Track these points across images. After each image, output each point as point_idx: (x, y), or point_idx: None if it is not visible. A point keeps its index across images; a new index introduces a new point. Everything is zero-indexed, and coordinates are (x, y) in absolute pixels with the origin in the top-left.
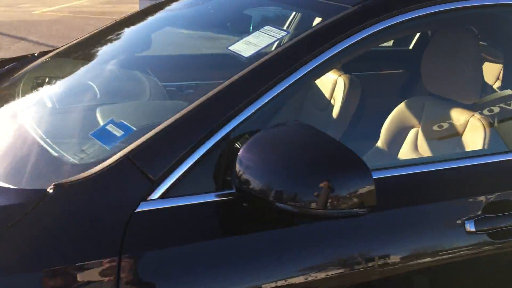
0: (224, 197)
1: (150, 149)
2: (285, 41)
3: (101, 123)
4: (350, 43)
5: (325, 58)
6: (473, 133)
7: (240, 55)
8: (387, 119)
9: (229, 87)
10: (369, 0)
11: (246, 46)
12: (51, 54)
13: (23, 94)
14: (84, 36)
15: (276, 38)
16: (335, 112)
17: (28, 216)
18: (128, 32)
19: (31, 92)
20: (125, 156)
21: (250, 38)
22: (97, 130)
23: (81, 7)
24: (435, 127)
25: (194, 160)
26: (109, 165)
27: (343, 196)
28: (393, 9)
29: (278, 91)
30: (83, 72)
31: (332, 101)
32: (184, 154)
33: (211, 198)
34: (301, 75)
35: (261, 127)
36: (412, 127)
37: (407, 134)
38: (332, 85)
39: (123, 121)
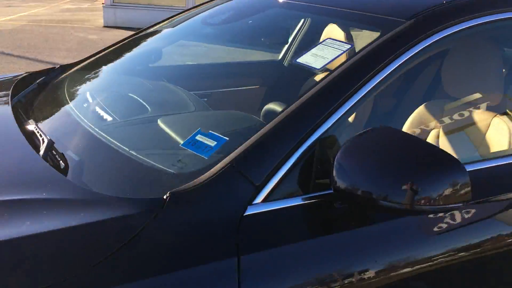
0: (319, 198)
1: (251, 156)
2: (349, 52)
3: (170, 133)
4: (412, 54)
5: (394, 67)
6: (497, 132)
7: (311, 66)
8: (408, 121)
9: (314, 96)
10: (422, 14)
11: (314, 58)
12: (78, 67)
13: (78, 109)
14: (106, 49)
15: (342, 51)
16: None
17: (151, 224)
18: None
19: (83, 106)
20: (230, 164)
21: (315, 51)
22: (187, 141)
23: (40, 16)
24: (456, 127)
25: (291, 164)
26: (216, 173)
27: (441, 193)
28: (445, 21)
29: (355, 100)
30: (118, 85)
31: None
32: (282, 159)
33: (307, 200)
34: (374, 83)
35: (346, 129)
36: (433, 128)
37: (427, 135)
38: None
39: (212, 132)
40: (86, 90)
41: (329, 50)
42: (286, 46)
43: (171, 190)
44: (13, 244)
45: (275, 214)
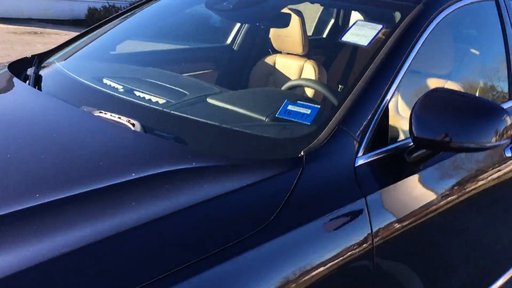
0: (401, 146)
1: (350, 116)
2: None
3: (241, 110)
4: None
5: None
6: None
7: (359, 44)
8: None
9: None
10: None
11: (357, 37)
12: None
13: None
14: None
15: (378, 30)
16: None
17: (300, 179)
18: None
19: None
20: (337, 125)
21: (354, 31)
22: (281, 111)
23: None
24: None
25: (376, 122)
26: (329, 134)
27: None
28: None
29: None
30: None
31: None
32: (369, 118)
33: (394, 148)
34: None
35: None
36: None
37: None
38: (299, 70)
39: (299, 102)
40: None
41: (366, 30)
42: (235, 30)
43: (304, 150)
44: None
45: (374, 162)
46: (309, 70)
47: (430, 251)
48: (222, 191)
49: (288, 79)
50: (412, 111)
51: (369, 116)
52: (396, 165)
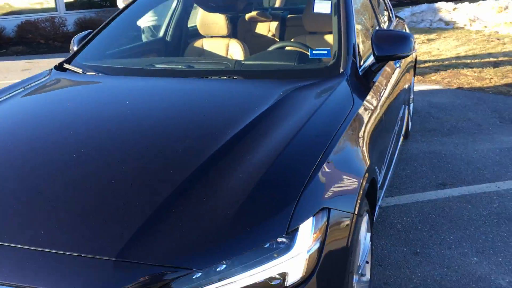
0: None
1: (348, 51)
2: None
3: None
4: None
5: None
6: None
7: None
8: None
9: None
10: None
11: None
12: None
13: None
14: None
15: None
16: None
17: (348, 81)
18: None
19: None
20: (347, 56)
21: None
22: (311, 54)
23: None
24: None
25: (357, 50)
26: (345, 60)
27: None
28: None
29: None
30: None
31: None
32: (353, 50)
33: (368, 64)
34: None
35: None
36: None
37: None
38: (226, 47)
39: (313, 50)
40: None
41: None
42: (165, 24)
43: (341, 68)
44: None
45: (363, 71)
46: (235, 46)
47: (383, 126)
48: (325, 91)
49: (216, 55)
50: (371, 42)
51: (354, 51)
52: (370, 72)
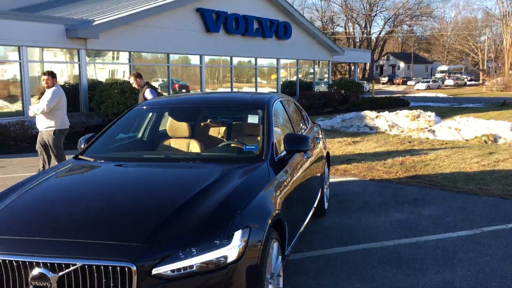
0: (281, 154)
1: (269, 145)
2: None
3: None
4: None
5: None
6: None
7: (253, 122)
8: None
9: None
10: None
11: (252, 119)
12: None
13: None
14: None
15: (258, 116)
16: None
17: (267, 164)
18: None
19: None
20: (267, 151)
21: (249, 119)
22: (245, 148)
23: None
24: None
25: (274, 145)
26: (266, 151)
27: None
28: None
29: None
30: None
31: None
32: (272, 146)
33: (281, 155)
34: None
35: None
36: None
37: None
38: (187, 145)
39: (246, 146)
40: None
41: (253, 117)
42: (143, 128)
43: (263, 156)
44: None
45: (278, 160)
46: (194, 144)
47: (294, 194)
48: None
49: (180, 151)
50: (284, 141)
51: (272, 147)
52: (283, 159)
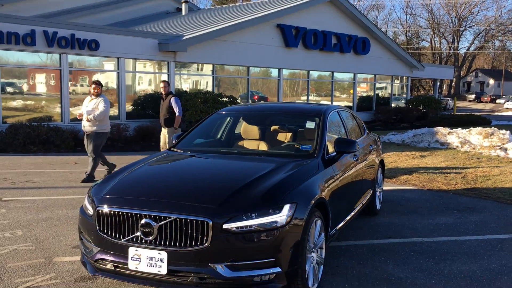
0: (332, 154)
1: (320, 148)
2: None
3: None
4: None
5: None
6: None
7: (311, 127)
8: None
9: None
10: None
11: (310, 124)
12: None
13: None
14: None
15: (315, 123)
16: None
17: (318, 160)
18: None
19: None
20: (321, 149)
21: (307, 124)
22: (301, 147)
23: None
24: None
25: (326, 146)
26: (318, 150)
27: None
28: None
29: (326, 132)
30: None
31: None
32: (324, 146)
33: (332, 154)
34: None
35: None
36: None
37: None
38: (257, 145)
39: (302, 146)
40: None
41: (310, 123)
42: (221, 132)
43: (315, 154)
44: None
45: (328, 158)
46: (263, 145)
47: (340, 187)
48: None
49: (258, 152)
50: (334, 144)
51: (324, 148)
52: (332, 158)
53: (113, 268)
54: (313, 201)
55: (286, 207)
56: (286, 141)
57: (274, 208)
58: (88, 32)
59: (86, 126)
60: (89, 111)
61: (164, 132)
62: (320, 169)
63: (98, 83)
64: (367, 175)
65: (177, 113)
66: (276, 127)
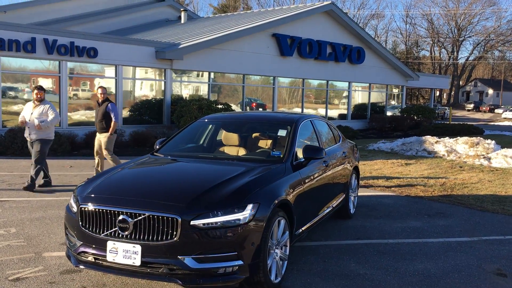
0: (299, 159)
1: (290, 154)
2: None
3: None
4: None
5: None
6: None
7: (282, 135)
8: None
9: None
10: None
11: (281, 132)
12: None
13: None
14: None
15: (286, 131)
16: None
17: (285, 165)
18: None
19: None
20: (290, 154)
21: (279, 133)
22: (272, 153)
23: None
24: None
25: (295, 151)
26: (287, 156)
27: None
28: None
29: (296, 139)
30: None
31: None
32: (294, 153)
33: (300, 160)
34: None
35: None
36: None
37: None
38: (237, 151)
39: (272, 152)
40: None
41: (282, 131)
42: (203, 137)
43: (283, 159)
44: None
45: (296, 163)
46: (242, 151)
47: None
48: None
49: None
50: (302, 150)
51: (293, 154)
52: (301, 164)
53: (93, 260)
54: (276, 201)
55: (249, 206)
56: (266, 147)
57: (238, 207)
58: (87, 40)
59: (33, 134)
60: (39, 118)
61: (98, 137)
62: (287, 173)
63: (41, 88)
64: (339, 180)
65: (113, 119)
66: (256, 134)
